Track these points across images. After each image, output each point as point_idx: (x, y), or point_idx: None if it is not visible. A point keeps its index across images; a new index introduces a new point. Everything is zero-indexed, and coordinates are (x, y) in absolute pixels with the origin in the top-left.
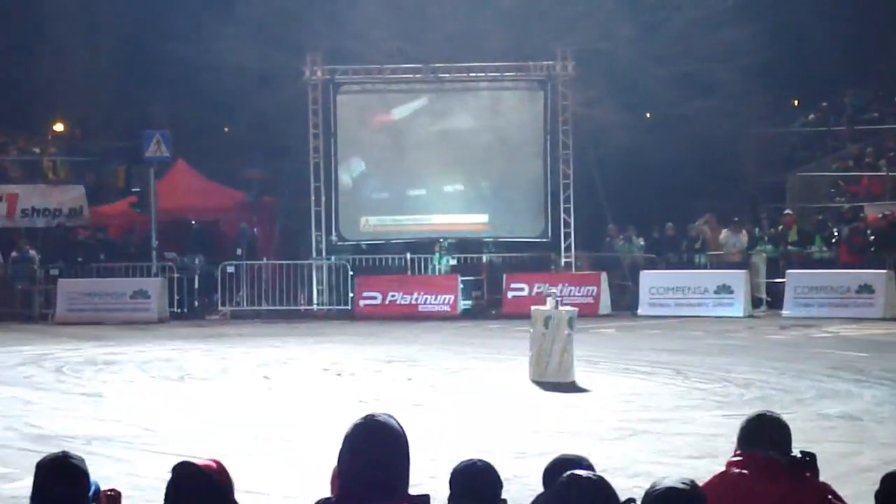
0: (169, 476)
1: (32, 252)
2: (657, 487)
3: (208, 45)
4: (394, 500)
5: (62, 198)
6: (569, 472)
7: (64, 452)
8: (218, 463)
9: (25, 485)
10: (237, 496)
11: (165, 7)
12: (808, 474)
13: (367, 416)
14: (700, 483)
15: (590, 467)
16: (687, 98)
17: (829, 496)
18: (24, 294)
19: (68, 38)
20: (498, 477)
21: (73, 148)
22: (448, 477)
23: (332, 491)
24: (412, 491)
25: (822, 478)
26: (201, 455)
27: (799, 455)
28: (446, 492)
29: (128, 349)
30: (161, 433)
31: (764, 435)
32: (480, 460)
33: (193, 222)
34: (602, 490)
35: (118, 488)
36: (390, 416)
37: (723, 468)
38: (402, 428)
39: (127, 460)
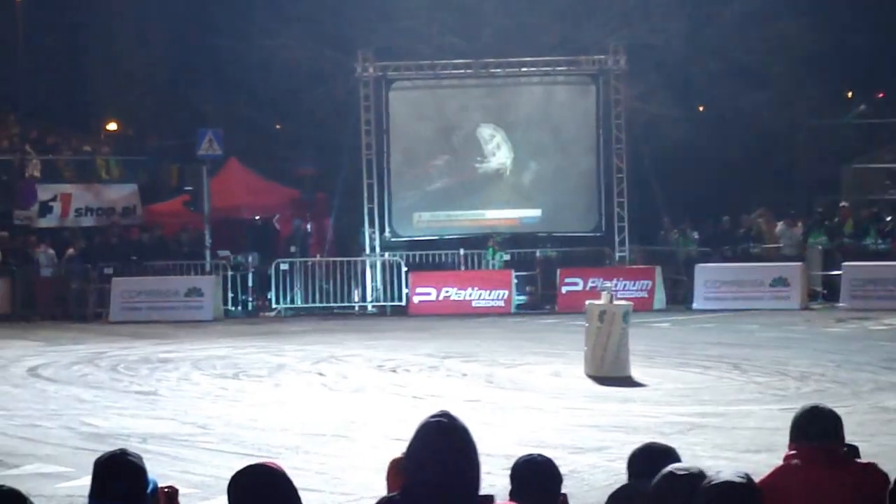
0: (238, 479)
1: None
2: (712, 481)
3: (260, 42)
4: (462, 501)
5: (115, 197)
6: (668, 470)
7: (122, 450)
8: (277, 465)
9: (81, 483)
10: None
11: (217, 5)
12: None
13: (439, 413)
14: (759, 478)
15: (678, 458)
16: (740, 91)
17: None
18: (79, 293)
19: (120, 38)
20: (558, 472)
21: (125, 147)
22: (504, 472)
23: (389, 487)
24: None
25: None
26: (257, 453)
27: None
28: (501, 487)
29: (182, 347)
30: (216, 431)
31: (816, 427)
32: (541, 455)
33: (257, 218)
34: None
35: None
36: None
37: (781, 462)
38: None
39: (182, 458)
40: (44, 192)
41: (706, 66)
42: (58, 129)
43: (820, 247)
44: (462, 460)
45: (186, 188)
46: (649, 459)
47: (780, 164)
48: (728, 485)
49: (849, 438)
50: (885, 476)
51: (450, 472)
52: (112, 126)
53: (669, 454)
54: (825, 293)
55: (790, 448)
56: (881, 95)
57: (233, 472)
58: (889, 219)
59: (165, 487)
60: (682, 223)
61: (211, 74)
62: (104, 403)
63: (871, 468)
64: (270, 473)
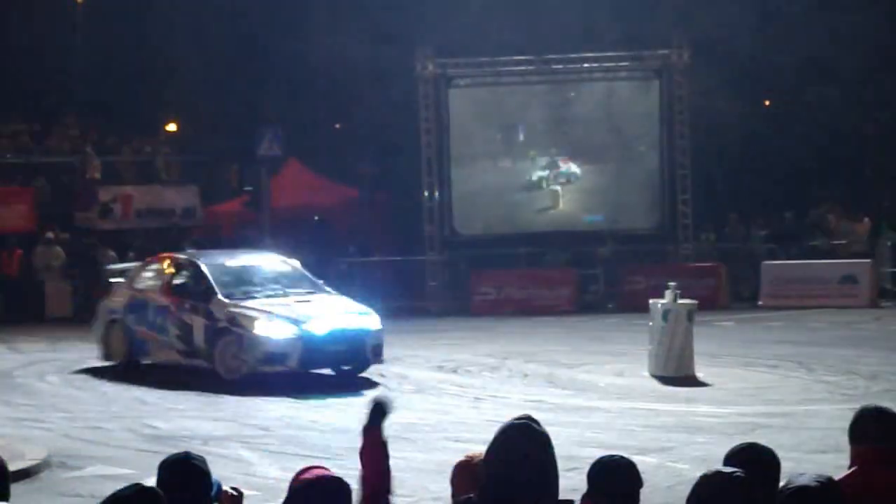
0: (302, 484)
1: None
2: (790, 485)
3: (319, 41)
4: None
5: (176, 198)
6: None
7: (186, 453)
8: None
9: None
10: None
11: (276, 4)
12: None
13: (524, 417)
14: None
15: (778, 460)
16: (806, 85)
17: None
18: None
19: (179, 37)
20: (639, 475)
21: (185, 147)
22: (565, 473)
23: (457, 489)
24: None
25: None
26: (318, 454)
27: None
28: (563, 488)
29: None
30: (277, 433)
31: (879, 428)
32: (622, 456)
33: (316, 217)
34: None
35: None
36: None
37: (846, 467)
38: None
39: (243, 460)
40: (104, 194)
41: (772, 60)
42: (117, 130)
43: (889, 243)
44: (546, 463)
45: (246, 188)
46: (748, 458)
47: (848, 159)
48: (805, 490)
49: None
50: None
51: (535, 474)
52: (171, 127)
53: (769, 455)
54: (895, 291)
55: (853, 452)
56: None
57: (295, 473)
58: None
59: (231, 490)
60: (748, 219)
61: (270, 74)
62: (166, 405)
63: None
64: (338, 484)
